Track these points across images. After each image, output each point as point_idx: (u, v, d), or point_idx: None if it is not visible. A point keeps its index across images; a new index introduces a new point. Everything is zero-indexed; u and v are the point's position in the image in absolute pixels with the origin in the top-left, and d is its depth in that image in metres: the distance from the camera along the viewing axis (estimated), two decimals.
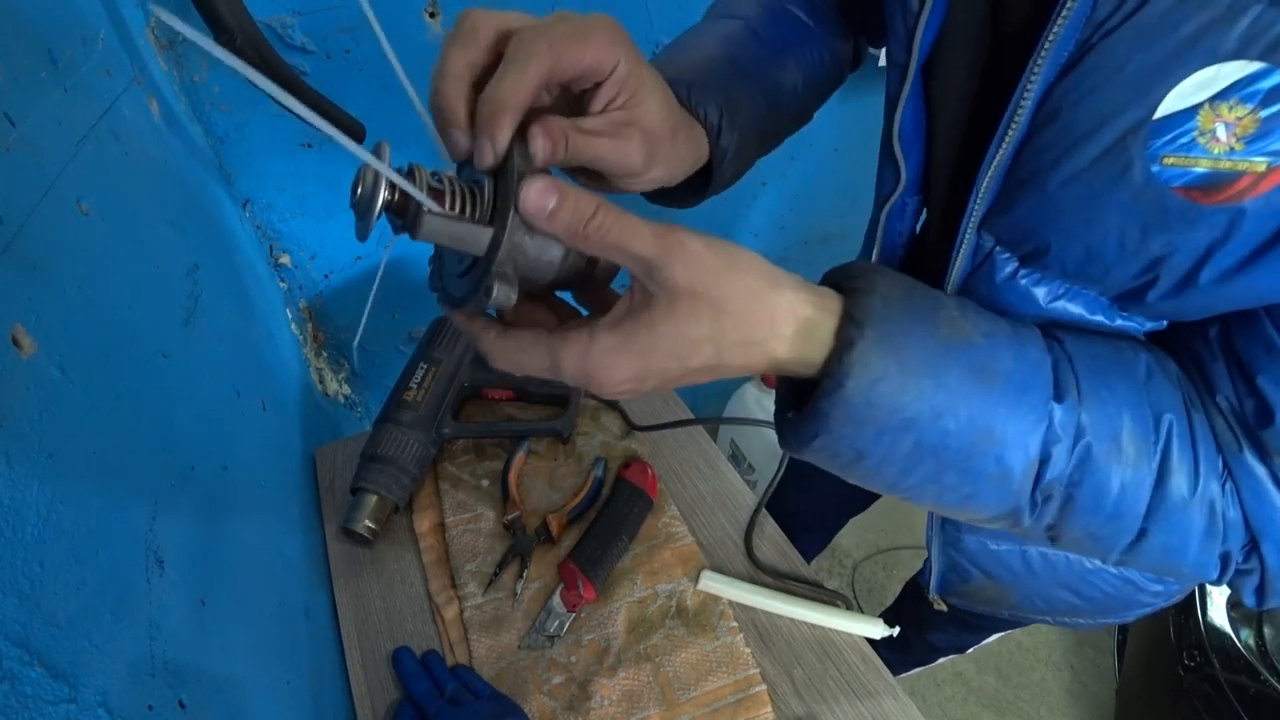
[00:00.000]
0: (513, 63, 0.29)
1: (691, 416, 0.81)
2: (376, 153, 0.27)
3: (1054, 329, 0.38)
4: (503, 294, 0.29)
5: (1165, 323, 0.38)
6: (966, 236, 0.39)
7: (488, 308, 0.29)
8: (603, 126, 0.33)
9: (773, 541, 0.71)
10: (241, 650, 0.47)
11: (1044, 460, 0.33)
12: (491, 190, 0.30)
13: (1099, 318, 0.38)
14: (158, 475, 0.42)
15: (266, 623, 0.53)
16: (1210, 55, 0.27)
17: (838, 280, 0.34)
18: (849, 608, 0.65)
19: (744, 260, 0.32)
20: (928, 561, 0.65)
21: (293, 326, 0.92)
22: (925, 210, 0.50)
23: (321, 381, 1.01)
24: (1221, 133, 0.28)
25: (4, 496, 0.28)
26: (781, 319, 0.32)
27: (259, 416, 0.65)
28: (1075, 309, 0.38)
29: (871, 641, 0.65)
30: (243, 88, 0.63)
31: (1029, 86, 0.32)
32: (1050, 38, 0.31)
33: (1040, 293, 0.38)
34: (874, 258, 0.56)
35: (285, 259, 0.90)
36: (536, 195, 0.28)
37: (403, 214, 0.28)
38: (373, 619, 0.67)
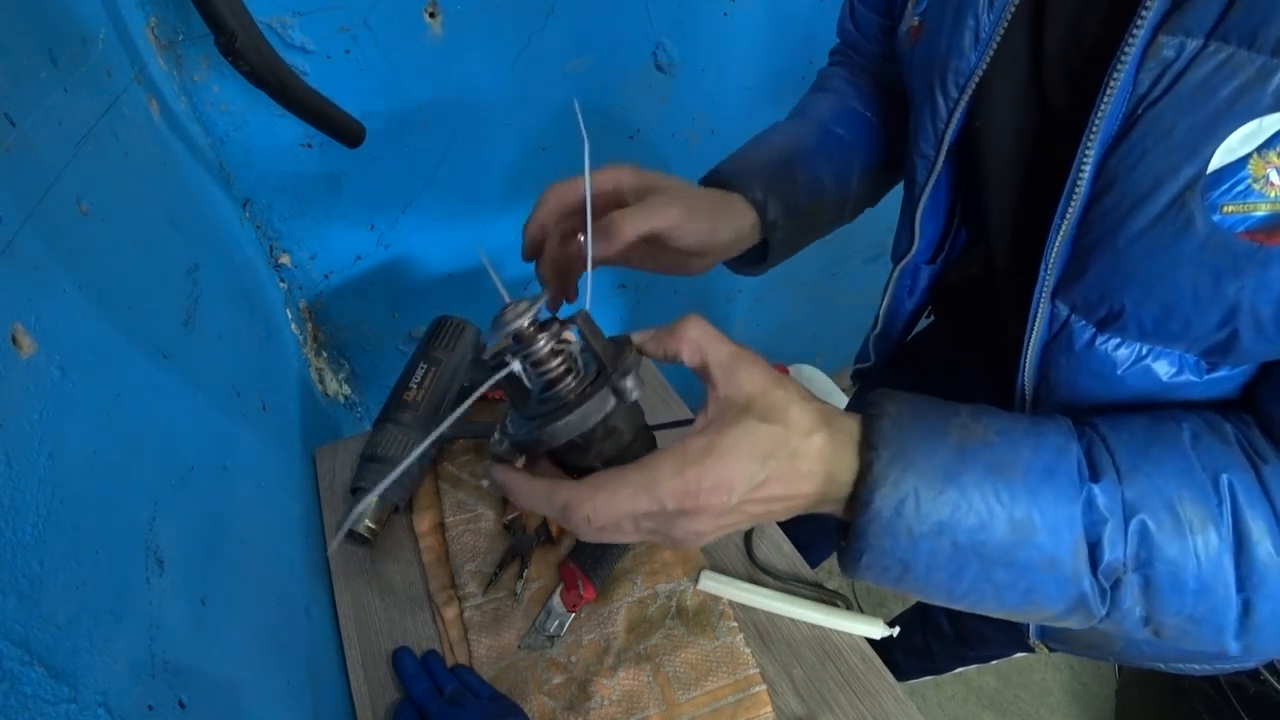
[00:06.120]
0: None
1: (691, 416, 0.81)
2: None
3: (1089, 416, 0.37)
4: (635, 384, 0.36)
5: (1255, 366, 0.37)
6: (1041, 306, 0.40)
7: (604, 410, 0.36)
8: (639, 208, 0.43)
9: (773, 541, 0.71)
10: (241, 650, 0.47)
11: (1095, 543, 0.33)
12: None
13: (1187, 376, 0.37)
14: (158, 475, 0.42)
15: (266, 623, 0.53)
16: (1250, 112, 0.29)
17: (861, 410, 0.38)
18: (849, 608, 0.65)
19: (789, 379, 0.37)
20: None
21: (293, 326, 0.92)
22: (937, 272, 0.56)
23: (321, 381, 1.01)
24: (1275, 177, 0.30)
25: (4, 496, 0.28)
26: (823, 420, 0.36)
27: (259, 416, 0.65)
28: (1160, 369, 0.38)
29: (884, 646, 0.64)
30: (243, 87, 0.63)
31: (1084, 161, 0.34)
32: (1099, 116, 0.33)
33: (1121, 356, 0.38)
34: (882, 310, 0.62)
35: (285, 259, 0.90)
36: (640, 334, 0.39)
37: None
38: (373, 619, 0.67)
